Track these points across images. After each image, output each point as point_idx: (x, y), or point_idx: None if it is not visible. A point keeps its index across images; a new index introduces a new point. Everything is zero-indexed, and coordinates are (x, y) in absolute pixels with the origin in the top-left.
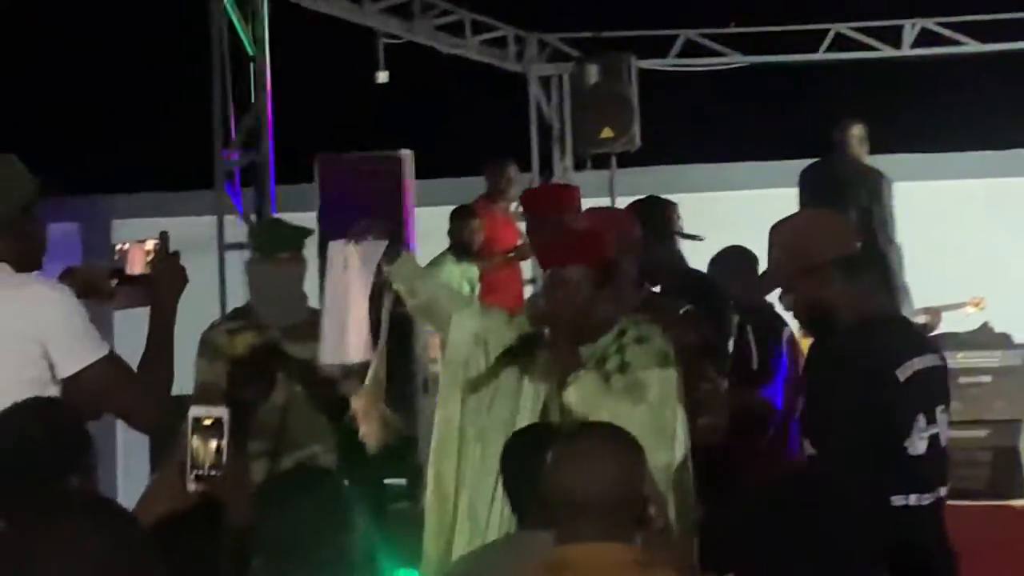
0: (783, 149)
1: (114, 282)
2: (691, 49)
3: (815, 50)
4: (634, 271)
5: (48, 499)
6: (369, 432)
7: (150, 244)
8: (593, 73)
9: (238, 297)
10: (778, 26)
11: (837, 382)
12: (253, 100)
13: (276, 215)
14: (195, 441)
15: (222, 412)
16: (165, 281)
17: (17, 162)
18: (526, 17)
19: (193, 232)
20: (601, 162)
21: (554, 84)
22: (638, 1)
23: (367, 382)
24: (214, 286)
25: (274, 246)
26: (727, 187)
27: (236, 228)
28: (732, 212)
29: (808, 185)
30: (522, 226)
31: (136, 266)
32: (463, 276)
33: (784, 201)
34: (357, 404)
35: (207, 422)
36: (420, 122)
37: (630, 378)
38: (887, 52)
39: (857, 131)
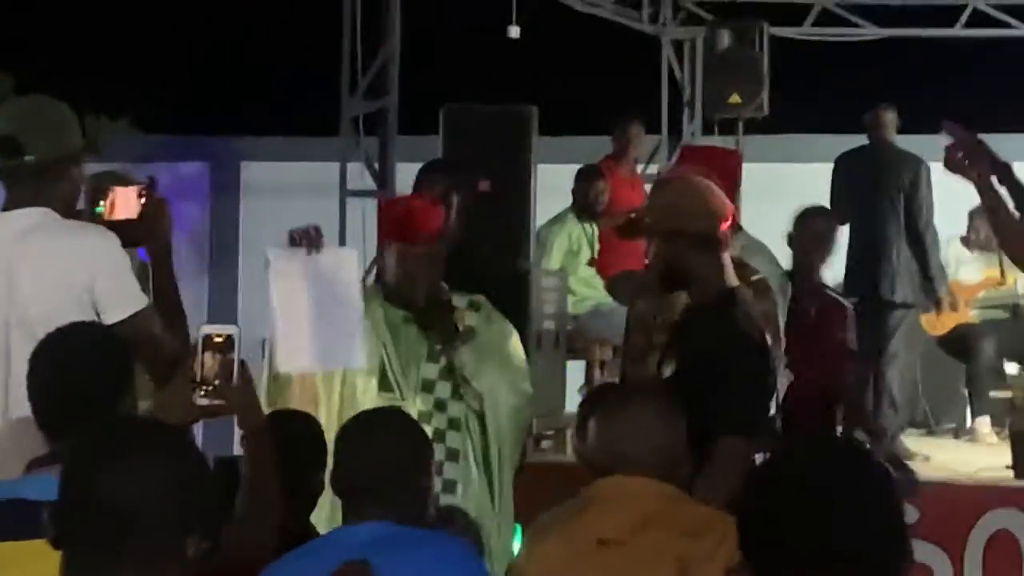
0: (913, 123)
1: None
2: (825, 19)
3: (951, 25)
4: None
5: (109, 422)
6: None
7: (135, 189)
8: (725, 38)
9: (357, 242)
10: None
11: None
12: (381, 48)
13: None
14: (204, 357)
15: (233, 330)
16: (156, 225)
17: (68, 110)
18: None
19: (317, 177)
20: (728, 127)
21: (686, 48)
22: None
23: None
24: (335, 232)
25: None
26: None
27: (359, 175)
28: None
29: (845, 169)
30: (648, 187)
31: (121, 211)
32: (583, 237)
33: None
34: None
35: (218, 339)
36: (549, 79)
37: (487, 340)
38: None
39: (891, 116)
